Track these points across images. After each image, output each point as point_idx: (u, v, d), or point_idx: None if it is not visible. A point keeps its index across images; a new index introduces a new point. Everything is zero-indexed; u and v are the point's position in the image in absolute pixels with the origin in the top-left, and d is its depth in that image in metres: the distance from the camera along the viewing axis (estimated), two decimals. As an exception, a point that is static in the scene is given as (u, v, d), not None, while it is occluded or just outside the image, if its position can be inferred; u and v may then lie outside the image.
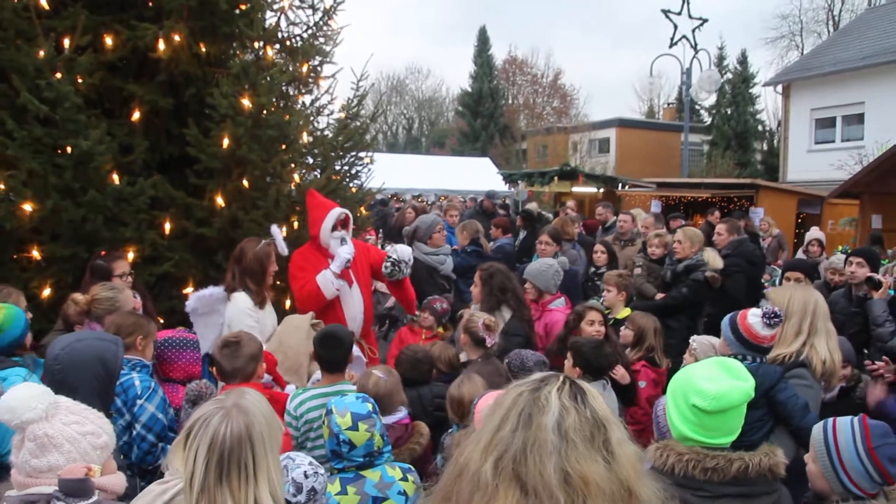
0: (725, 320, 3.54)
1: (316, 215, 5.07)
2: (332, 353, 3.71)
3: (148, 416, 3.35)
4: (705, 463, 2.34)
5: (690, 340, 4.16)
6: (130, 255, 5.12)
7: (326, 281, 4.91)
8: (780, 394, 3.32)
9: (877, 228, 11.38)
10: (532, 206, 12.69)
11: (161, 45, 5.33)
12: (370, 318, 5.36)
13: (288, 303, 5.56)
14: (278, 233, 4.89)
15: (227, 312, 4.55)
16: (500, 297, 5.04)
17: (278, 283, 5.77)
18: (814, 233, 9.28)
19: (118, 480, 2.20)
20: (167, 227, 5.41)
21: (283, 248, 4.89)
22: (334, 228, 5.06)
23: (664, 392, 3.75)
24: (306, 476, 2.37)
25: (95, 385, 2.79)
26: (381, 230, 10.98)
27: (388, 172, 18.59)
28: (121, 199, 5.08)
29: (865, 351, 5.04)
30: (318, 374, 4.04)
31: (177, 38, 5.39)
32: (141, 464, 3.33)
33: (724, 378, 2.40)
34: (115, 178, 5.09)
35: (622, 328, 5.00)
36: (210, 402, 1.98)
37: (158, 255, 5.36)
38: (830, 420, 2.64)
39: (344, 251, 5.01)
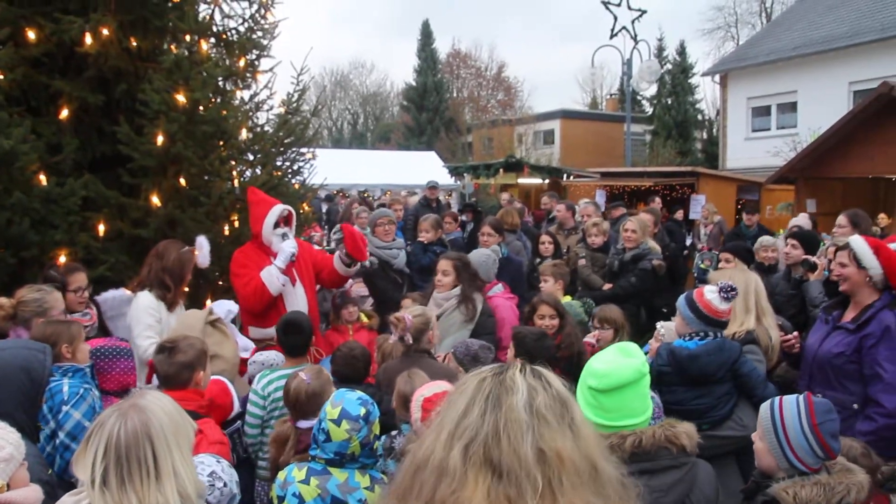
0: (681, 299, 3.67)
1: (257, 212, 4.98)
2: (293, 339, 4.18)
3: (73, 423, 3.15)
4: None
5: (658, 326, 4.29)
6: (62, 259, 4.92)
7: (271, 276, 4.84)
8: (743, 367, 3.52)
9: (810, 212, 11.75)
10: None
11: (88, 40, 5.12)
12: (315, 317, 5.27)
13: (208, 302, 5.36)
14: (205, 243, 4.76)
15: (129, 311, 4.41)
16: (476, 282, 5.21)
17: (220, 283, 5.64)
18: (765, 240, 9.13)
19: (30, 493, 2.10)
20: (101, 228, 5.21)
21: (206, 260, 4.76)
22: (276, 225, 4.98)
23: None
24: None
25: (19, 397, 2.64)
26: (326, 226, 10.83)
27: (334, 168, 18.44)
28: (49, 201, 4.87)
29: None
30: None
31: (105, 31, 5.19)
32: (63, 475, 3.11)
33: (617, 357, 2.45)
34: (43, 178, 4.87)
35: (598, 330, 4.99)
36: (110, 407, 1.94)
37: (93, 258, 5.15)
38: (777, 398, 2.71)
39: (288, 245, 4.95)
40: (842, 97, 19.98)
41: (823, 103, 19.79)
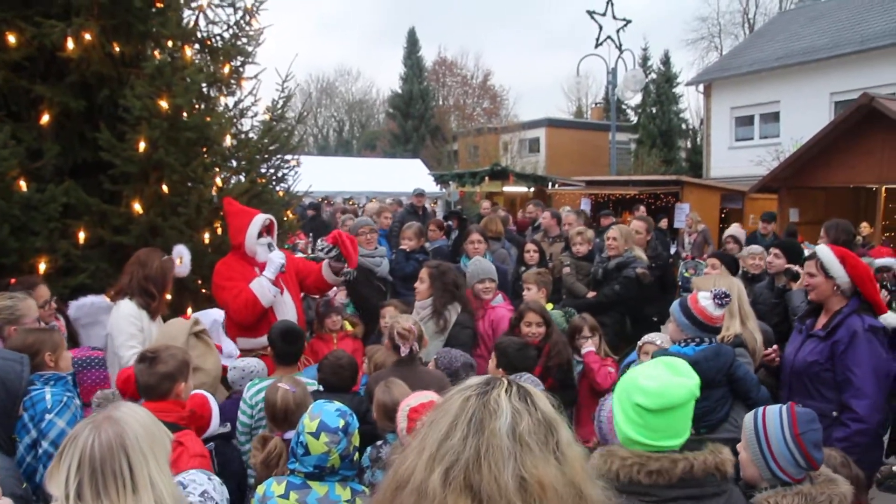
0: (675, 306, 3.74)
1: (238, 223, 4.92)
2: (290, 347, 4.15)
3: (57, 432, 3.07)
4: (649, 466, 2.21)
5: (644, 339, 4.36)
6: (42, 267, 4.85)
7: (262, 288, 4.79)
8: (738, 371, 3.60)
9: (793, 222, 11.85)
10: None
11: (70, 44, 5.05)
12: (302, 326, 5.23)
13: (189, 311, 5.29)
14: (185, 252, 4.71)
15: (109, 320, 4.33)
16: (454, 292, 5.13)
17: (203, 291, 5.58)
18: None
19: None
20: (81, 235, 5.14)
21: (186, 269, 4.71)
22: (260, 235, 4.94)
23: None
24: None
25: (-5, 409, 2.59)
26: (311, 234, 10.78)
27: (320, 175, 18.41)
28: (29, 207, 4.80)
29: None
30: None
31: (87, 36, 5.13)
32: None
33: (667, 375, 2.32)
34: (23, 184, 4.81)
35: (589, 339, 5.00)
36: (84, 420, 1.90)
37: (73, 266, 5.09)
38: (761, 409, 2.71)
39: (276, 256, 4.91)
40: (823, 107, 20.21)
41: (805, 113, 20.01)
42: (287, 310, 5.00)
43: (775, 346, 4.36)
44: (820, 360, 3.78)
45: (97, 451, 1.78)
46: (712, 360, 3.51)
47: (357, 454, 2.86)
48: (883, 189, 12.00)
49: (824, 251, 3.93)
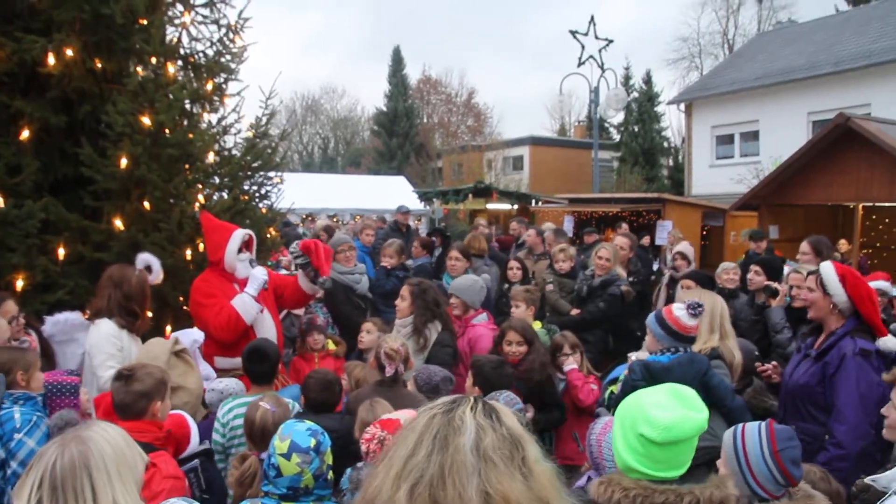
0: (651, 317, 3.80)
1: (217, 239, 4.86)
2: (259, 367, 4.10)
3: (27, 451, 3.00)
4: (654, 498, 2.15)
5: (631, 356, 4.31)
6: (20, 283, 4.79)
7: (245, 305, 4.72)
8: (713, 379, 3.62)
9: (771, 239, 11.96)
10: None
11: (51, 60, 5.04)
12: (281, 344, 5.19)
13: (168, 329, 5.25)
14: (150, 259, 4.65)
15: (88, 339, 4.24)
16: (435, 310, 5.10)
17: (185, 308, 5.54)
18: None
19: None
20: (61, 252, 5.09)
21: (159, 276, 4.65)
22: (239, 251, 4.88)
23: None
24: None
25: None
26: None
27: (304, 192, 18.38)
28: (6, 223, 4.75)
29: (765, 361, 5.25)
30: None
31: (69, 52, 5.12)
32: None
33: (676, 407, 2.24)
34: (0, 200, 4.76)
35: (570, 356, 5.00)
36: (53, 438, 1.89)
37: (52, 283, 5.04)
38: (740, 425, 2.71)
39: (259, 272, 4.87)
40: (801, 127, 20.50)
41: (784, 132, 20.29)
42: (267, 327, 4.95)
43: (774, 363, 4.38)
44: (811, 381, 3.75)
45: (59, 470, 1.76)
46: (686, 367, 3.56)
47: (331, 473, 2.83)
48: (860, 207, 12.16)
49: (826, 268, 3.89)
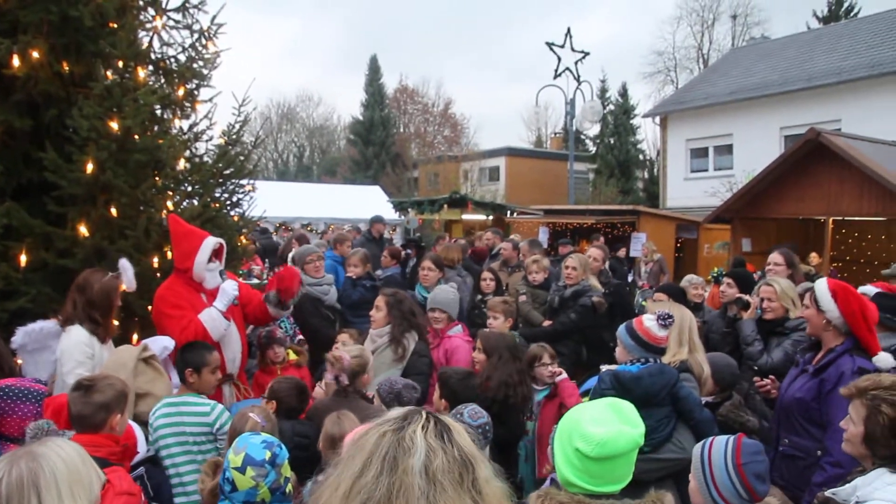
0: (622, 328, 3.78)
1: (187, 246, 4.67)
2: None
3: None
4: None
5: (604, 368, 4.28)
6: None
7: (213, 320, 4.54)
8: (681, 391, 3.60)
9: (744, 252, 12.10)
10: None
11: (16, 62, 4.93)
12: (246, 357, 5.08)
13: (135, 337, 5.13)
14: (129, 266, 4.53)
15: (59, 346, 4.15)
16: (412, 320, 5.06)
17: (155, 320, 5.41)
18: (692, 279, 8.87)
19: None
20: (23, 258, 4.96)
21: (132, 284, 4.53)
22: (209, 260, 4.71)
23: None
24: None
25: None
26: (266, 260, 10.62)
27: (279, 200, 18.22)
28: (-34, 229, 4.62)
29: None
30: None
31: (35, 54, 5.01)
32: None
33: (613, 422, 2.22)
34: (-40, 205, 4.64)
35: (548, 367, 4.96)
36: (5, 454, 1.83)
37: (13, 290, 4.90)
38: (710, 438, 2.72)
39: (230, 287, 4.70)
40: (774, 141, 20.84)
41: (757, 146, 20.61)
42: (233, 342, 4.81)
43: (772, 378, 4.40)
44: (807, 397, 3.74)
45: (4, 487, 1.71)
46: (656, 377, 3.55)
47: (290, 485, 2.76)
48: (830, 221, 12.34)
49: (820, 284, 3.88)
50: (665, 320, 3.62)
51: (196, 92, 6.22)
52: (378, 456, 1.36)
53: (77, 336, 4.13)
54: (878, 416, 2.55)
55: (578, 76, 20.98)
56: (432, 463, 1.34)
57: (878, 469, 2.55)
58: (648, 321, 3.67)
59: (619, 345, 3.79)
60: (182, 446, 3.66)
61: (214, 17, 6.23)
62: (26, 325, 4.28)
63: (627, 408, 2.32)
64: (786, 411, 3.91)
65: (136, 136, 5.18)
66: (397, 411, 1.47)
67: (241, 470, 2.61)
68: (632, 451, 2.22)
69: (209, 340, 4.50)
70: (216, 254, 4.78)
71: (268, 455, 2.65)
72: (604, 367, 4.33)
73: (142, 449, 3.35)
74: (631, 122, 36.98)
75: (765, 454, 2.60)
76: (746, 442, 2.62)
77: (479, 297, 7.18)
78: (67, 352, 4.09)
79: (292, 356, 5.59)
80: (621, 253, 13.22)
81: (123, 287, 4.47)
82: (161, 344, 4.40)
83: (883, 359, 3.60)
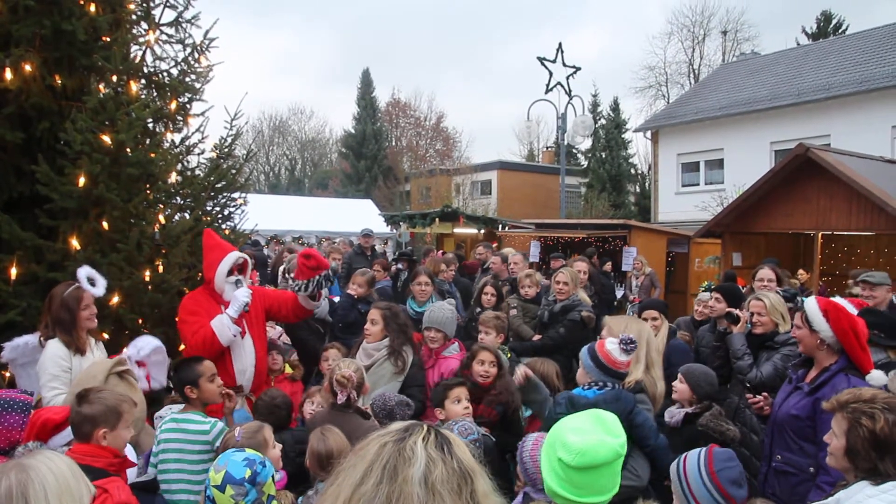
0: (584, 350, 3.72)
1: (212, 258, 4.84)
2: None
3: None
4: None
5: None
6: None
7: (223, 326, 4.65)
8: (637, 417, 3.53)
9: (734, 266, 12.15)
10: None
11: (9, 75, 4.93)
12: (263, 371, 5.08)
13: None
14: (91, 274, 4.51)
15: (39, 360, 4.20)
16: (407, 333, 5.08)
17: (145, 331, 5.39)
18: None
19: None
20: (13, 271, 4.95)
21: (99, 291, 4.52)
22: (230, 273, 4.85)
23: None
24: None
25: None
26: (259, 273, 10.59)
27: (270, 214, 18.22)
28: (-46, 242, 4.61)
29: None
30: None
31: (28, 67, 5.02)
32: None
33: (593, 432, 2.26)
34: (-49, 218, 4.63)
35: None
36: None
37: (3, 303, 4.88)
38: (684, 454, 2.78)
39: (241, 294, 4.77)
40: (764, 155, 21.00)
41: (748, 161, 20.76)
42: (245, 354, 4.87)
43: (765, 394, 4.41)
44: (801, 414, 3.74)
45: None
46: (612, 404, 3.45)
47: (274, 502, 2.75)
48: (819, 235, 12.42)
49: (810, 304, 3.86)
50: (627, 345, 3.54)
51: (188, 105, 6.24)
52: (378, 465, 1.37)
53: (53, 350, 4.18)
54: (858, 429, 2.58)
55: (570, 91, 21.09)
56: (432, 473, 1.35)
57: (859, 482, 2.57)
58: (610, 345, 3.59)
59: (580, 366, 3.72)
60: (178, 463, 3.64)
61: (207, 32, 6.26)
62: (12, 340, 4.29)
63: (610, 419, 2.37)
64: (779, 427, 3.91)
65: (129, 150, 5.19)
66: (399, 424, 1.49)
67: (221, 488, 2.59)
68: (614, 461, 2.26)
69: (217, 346, 4.64)
70: (240, 268, 4.95)
71: (248, 473, 2.63)
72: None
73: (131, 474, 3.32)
74: (622, 136, 37.16)
75: (737, 460, 2.66)
76: (718, 451, 2.69)
77: (479, 310, 7.15)
78: (43, 366, 4.15)
79: (288, 369, 5.58)
80: (608, 267, 13.26)
81: (91, 295, 4.44)
82: (151, 344, 4.45)
83: (876, 377, 3.60)
